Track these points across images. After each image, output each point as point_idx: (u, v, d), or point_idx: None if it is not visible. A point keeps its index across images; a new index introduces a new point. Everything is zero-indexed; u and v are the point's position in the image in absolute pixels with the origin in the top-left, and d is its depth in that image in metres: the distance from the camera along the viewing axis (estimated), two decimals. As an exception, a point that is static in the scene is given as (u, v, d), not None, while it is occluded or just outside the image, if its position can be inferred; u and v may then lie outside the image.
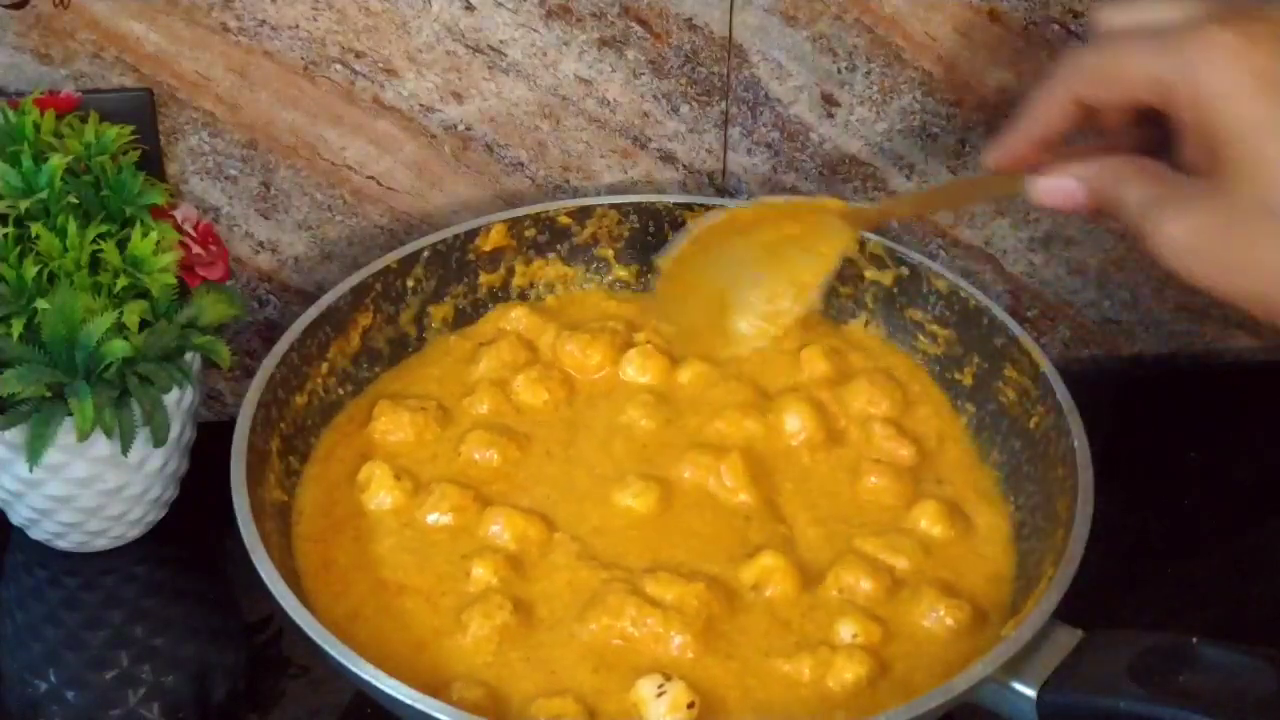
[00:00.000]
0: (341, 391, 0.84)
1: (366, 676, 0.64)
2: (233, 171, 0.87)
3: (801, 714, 0.69)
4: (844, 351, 0.87)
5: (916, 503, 0.79)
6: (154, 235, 0.75)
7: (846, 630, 0.72)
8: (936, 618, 0.73)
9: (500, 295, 0.90)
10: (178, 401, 0.78)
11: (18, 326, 0.72)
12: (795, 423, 0.82)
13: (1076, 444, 0.75)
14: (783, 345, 0.87)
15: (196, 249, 0.78)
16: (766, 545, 0.75)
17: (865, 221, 0.78)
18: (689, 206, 0.90)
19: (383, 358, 0.86)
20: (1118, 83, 0.59)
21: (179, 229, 0.78)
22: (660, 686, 0.68)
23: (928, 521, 0.78)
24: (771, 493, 0.79)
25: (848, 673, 0.69)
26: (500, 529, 0.76)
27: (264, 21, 0.83)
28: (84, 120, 0.78)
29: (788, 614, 0.73)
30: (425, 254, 0.87)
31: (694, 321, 0.78)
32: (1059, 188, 0.64)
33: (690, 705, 0.67)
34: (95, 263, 0.74)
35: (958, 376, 0.86)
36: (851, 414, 0.84)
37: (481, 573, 0.74)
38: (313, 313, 0.82)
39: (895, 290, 0.88)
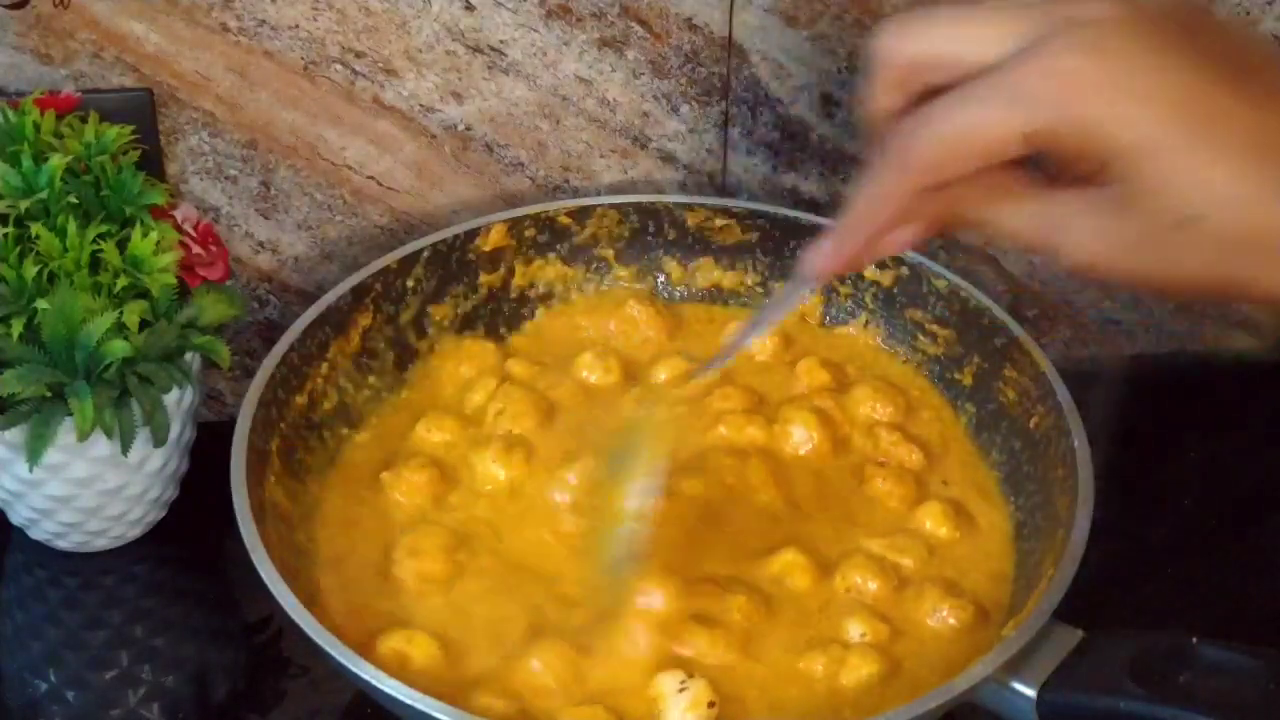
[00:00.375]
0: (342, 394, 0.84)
1: (366, 676, 0.64)
2: (233, 171, 0.87)
3: (816, 712, 0.69)
4: (840, 362, 0.87)
5: (921, 504, 0.79)
6: (154, 235, 0.75)
7: (855, 629, 0.72)
8: (940, 617, 0.73)
9: (500, 295, 0.90)
10: (178, 401, 0.78)
11: (18, 326, 0.72)
12: (801, 433, 0.82)
13: (1076, 444, 0.75)
14: (780, 358, 0.87)
15: (196, 249, 0.78)
16: (787, 544, 0.75)
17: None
18: (689, 206, 0.90)
19: (383, 362, 0.86)
20: (970, 156, 0.54)
21: (179, 229, 0.78)
22: (682, 683, 0.68)
23: (933, 523, 0.78)
24: (789, 493, 0.79)
25: (862, 670, 0.69)
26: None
27: (264, 21, 0.83)
28: (84, 120, 0.78)
29: (805, 611, 0.73)
30: (425, 254, 0.87)
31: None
32: (899, 237, 0.59)
33: (710, 704, 0.67)
34: (95, 263, 0.74)
35: (958, 376, 0.86)
36: (856, 421, 0.84)
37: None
38: (313, 313, 0.82)
39: (895, 290, 0.88)
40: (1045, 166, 0.56)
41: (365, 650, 0.68)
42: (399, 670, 0.68)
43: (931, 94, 0.55)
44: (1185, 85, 0.52)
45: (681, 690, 0.67)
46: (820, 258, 0.60)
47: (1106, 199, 0.54)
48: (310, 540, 0.76)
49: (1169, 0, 0.55)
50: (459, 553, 0.75)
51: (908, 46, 0.56)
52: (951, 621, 0.72)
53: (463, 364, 0.87)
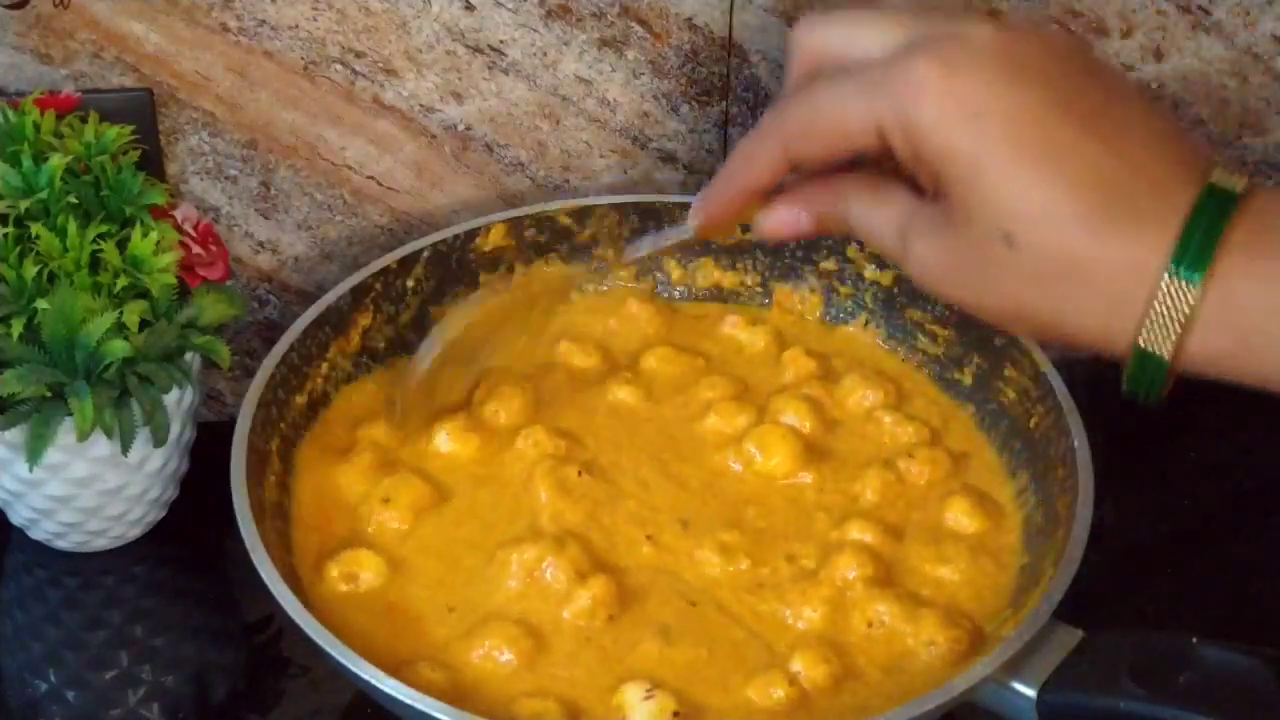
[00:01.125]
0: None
1: (366, 676, 0.64)
2: (233, 171, 0.87)
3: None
4: (828, 355, 0.88)
5: (947, 497, 0.79)
6: (154, 235, 0.75)
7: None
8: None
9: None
10: (178, 401, 0.78)
11: (18, 326, 0.72)
12: (793, 419, 0.82)
13: (1076, 444, 0.75)
14: (765, 350, 0.88)
15: (196, 249, 0.78)
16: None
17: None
18: (689, 206, 0.90)
19: (380, 359, 0.86)
20: (828, 135, 0.58)
21: (179, 229, 0.78)
22: (648, 692, 0.68)
23: (964, 517, 0.78)
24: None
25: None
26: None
27: (264, 21, 0.83)
28: (84, 120, 0.78)
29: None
30: (425, 254, 0.87)
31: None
32: (785, 218, 0.62)
33: (675, 714, 0.67)
34: (95, 263, 0.74)
35: (958, 376, 0.86)
36: (848, 408, 0.84)
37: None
38: (313, 313, 0.82)
39: (895, 290, 0.88)
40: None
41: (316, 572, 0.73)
42: (347, 591, 0.73)
43: None
44: (1026, 110, 0.54)
45: (647, 698, 0.67)
46: (700, 208, 0.66)
47: (940, 213, 0.56)
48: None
49: (1055, 35, 0.58)
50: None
51: (812, 39, 0.61)
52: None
53: None
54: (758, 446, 0.80)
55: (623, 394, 0.84)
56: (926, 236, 0.57)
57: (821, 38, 0.60)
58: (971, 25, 0.56)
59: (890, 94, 0.55)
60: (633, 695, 0.68)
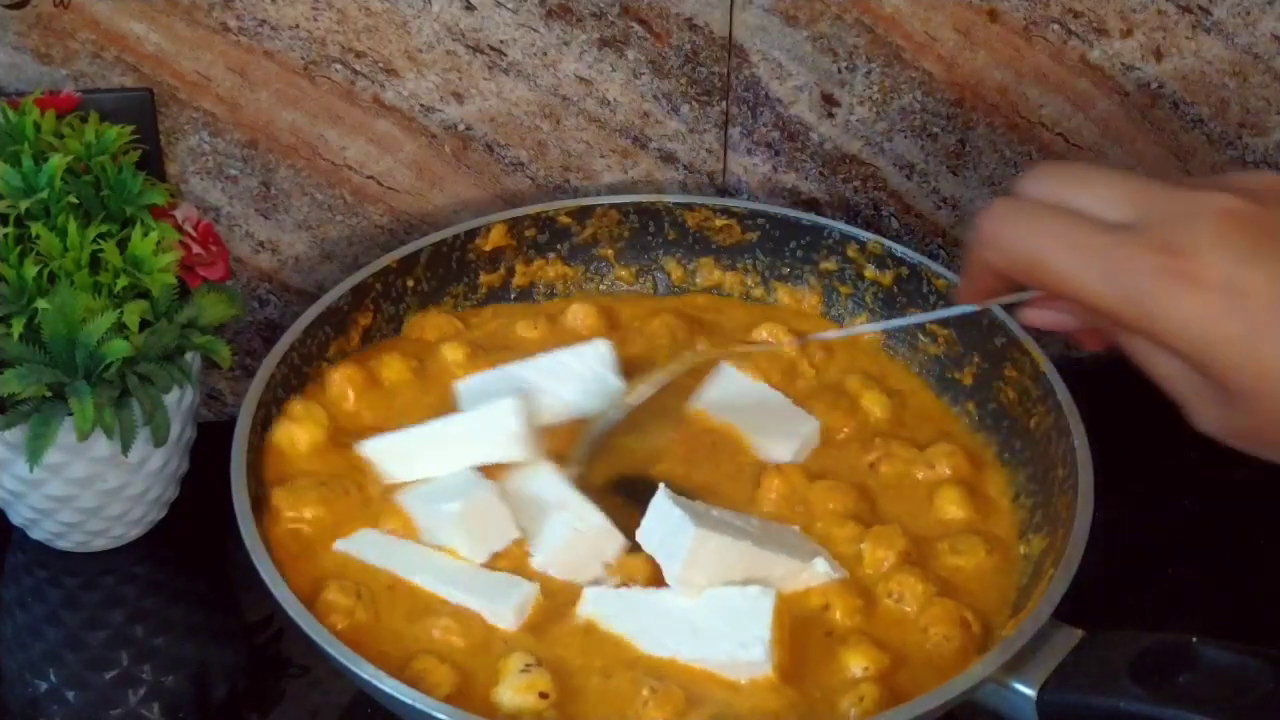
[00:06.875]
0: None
1: (366, 676, 0.64)
2: (233, 171, 0.87)
3: None
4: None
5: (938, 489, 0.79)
6: (154, 235, 0.75)
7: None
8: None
9: (500, 295, 0.90)
10: (178, 401, 0.78)
11: (18, 326, 0.72)
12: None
13: (1076, 444, 0.75)
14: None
15: (197, 249, 0.78)
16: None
17: None
18: (689, 206, 0.90)
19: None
20: (1051, 287, 0.57)
21: (179, 229, 0.78)
22: (526, 665, 0.68)
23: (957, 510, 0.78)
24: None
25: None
26: None
27: (264, 21, 0.83)
28: (84, 120, 0.78)
29: None
30: (425, 254, 0.87)
31: None
32: (1051, 319, 0.62)
33: (543, 695, 0.67)
34: (95, 263, 0.74)
35: (957, 376, 0.86)
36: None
37: None
38: (313, 312, 0.82)
39: (895, 290, 0.88)
40: None
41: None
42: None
43: None
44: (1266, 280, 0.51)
45: (524, 672, 0.67)
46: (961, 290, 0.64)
47: (1219, 397, 0.54)
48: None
49: None
50: None
51: (1040, 188, 0.58)
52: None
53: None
54: None
55: None
56: (1209, 409, 0.55)
57: (1051, 189, 0.57)
58: (1210, 199, 0.53)
59: (1133, 279, 0.53)
60: (513, 664, 0.68)
